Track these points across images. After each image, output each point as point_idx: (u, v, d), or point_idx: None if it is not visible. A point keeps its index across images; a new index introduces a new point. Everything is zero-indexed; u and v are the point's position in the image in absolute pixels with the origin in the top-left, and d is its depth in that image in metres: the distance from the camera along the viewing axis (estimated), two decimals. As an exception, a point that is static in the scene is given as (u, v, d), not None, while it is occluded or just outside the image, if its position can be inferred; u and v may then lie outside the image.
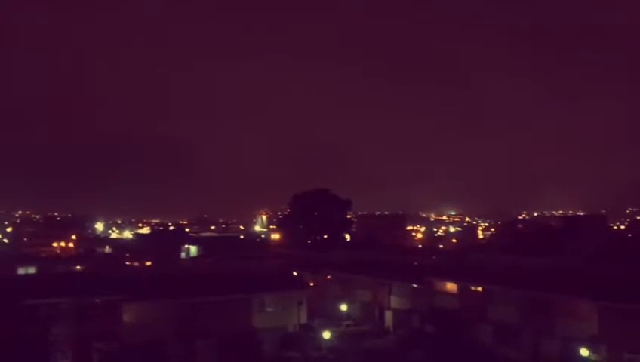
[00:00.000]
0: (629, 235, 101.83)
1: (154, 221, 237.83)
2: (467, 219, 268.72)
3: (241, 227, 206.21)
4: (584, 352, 35.05)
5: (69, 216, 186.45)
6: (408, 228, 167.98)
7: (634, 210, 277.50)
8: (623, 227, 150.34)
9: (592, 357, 34.98)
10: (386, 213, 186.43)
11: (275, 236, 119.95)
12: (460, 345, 40.34)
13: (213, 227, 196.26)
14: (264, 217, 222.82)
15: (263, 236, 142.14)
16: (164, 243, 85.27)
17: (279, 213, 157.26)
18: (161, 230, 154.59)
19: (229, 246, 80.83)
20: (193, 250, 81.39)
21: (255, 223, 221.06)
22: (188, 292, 38.92)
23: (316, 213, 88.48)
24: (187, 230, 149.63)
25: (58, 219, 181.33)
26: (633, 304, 34.17)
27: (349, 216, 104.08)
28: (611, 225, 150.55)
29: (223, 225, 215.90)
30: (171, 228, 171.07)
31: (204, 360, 36.05)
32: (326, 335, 41.73)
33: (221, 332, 36.93)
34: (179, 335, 36.40)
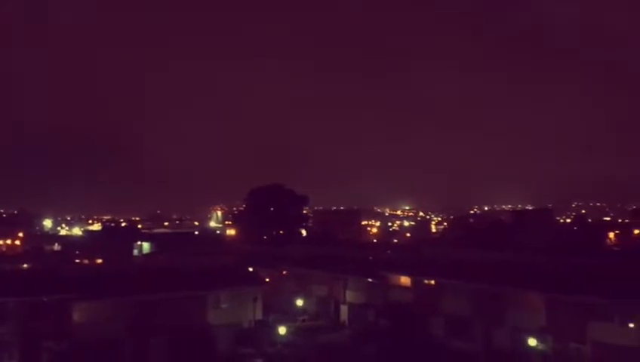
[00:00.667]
0: (575, 228, 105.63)
1: (105, 217, 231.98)
2: (421, 213, 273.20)
3: (196, 223, 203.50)
4: (532, 342, 36.23)
5: (15, 212, 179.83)
6: (363, 223, 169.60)
7: (579, 204, 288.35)
8: (569, 220, 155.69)
9: (540, 347, 36.20)
10: (341, 208, 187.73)
11: (231, 232, 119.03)
12: (414, 338, 41.04)
13: (166, 223, 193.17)
14: (219, 213, 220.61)
15: (218, 232, 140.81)
16: (115, 239, 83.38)
17: (234, 209, 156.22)
18: (112, 226, 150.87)
19: (183, 242, 79.72)
20: (146, 246, 79.80)
21: (210, 219, 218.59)
22: (140, 290, 38.20)
23: (272, 209, 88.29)
24: (140, 226, 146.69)
25: (4, 216, 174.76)
26: (578, 296, 35.51)
27: (305, 212, 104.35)
28: (558, 218, 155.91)
29: (177, 221, 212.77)
30: (123, 224, 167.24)
31: (158, 358, 35.49)
32: (281, 330, 41.74)
33: (175, 330, 36.44)
34: (132, 334, 35.72)
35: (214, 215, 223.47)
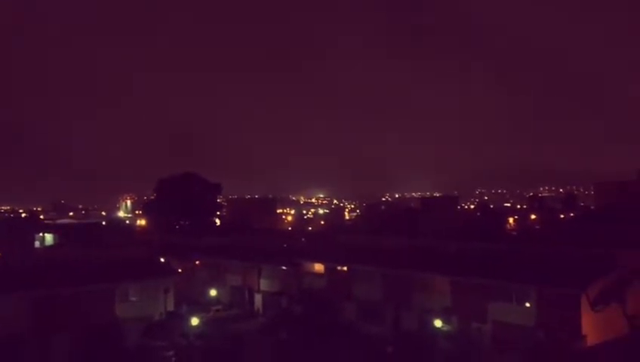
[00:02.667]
0: (477, 214, 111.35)
1: (3, 208, 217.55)
2: (335, 201, 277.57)
3: (103, 213, 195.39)
4: (438, 323, 38.01)
5: None
6: (278, 211, 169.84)
7: (482, 191, 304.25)
8: (472, 207, 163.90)
9: (445, 328, 38.05)
10: (256, 196, 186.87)
11: (141, 222, 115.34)
12: (326, 323, 41.80)
13: (71, 213, 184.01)
14: (129, 202, 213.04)
15: (127, 222, 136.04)
16: (14, 231, 78.34)
17: (145, 198, 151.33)
18: (10, 217, 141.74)
19: (90, 233, 76.21)
20: (49, 238, 75.61)
21: (119, 209, 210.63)
22: (43, 284, 36.25)
23: (184, 198, 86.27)
24: (42, 217, 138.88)
25: None
26: (479, 278, 37.63)
27: (218, 200, 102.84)
28: (462, 205, 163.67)
29: (83, 211, 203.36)
30: (23, 215, 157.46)
31: (62, 356, 33.92)
32: (194, 321, 41.14)
33: (81, 325, 34.96)
34: (34, 331, 33.89)
35: (123, 204, 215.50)
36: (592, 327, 31.50)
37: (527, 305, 35.72)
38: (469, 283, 38.16)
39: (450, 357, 34.67)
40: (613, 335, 29.68)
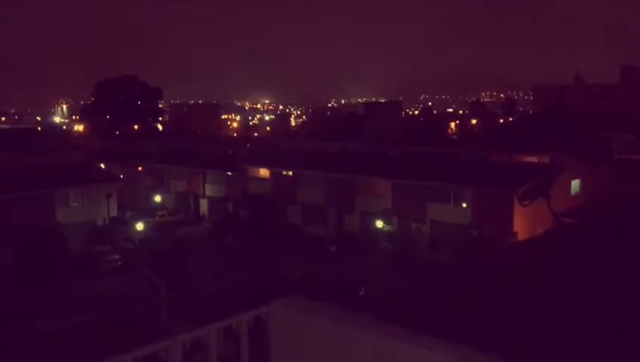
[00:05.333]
0: (421, 119, 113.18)
1: None
2: (280, 107, 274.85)
3: (38, 118, 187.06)
4: (379, 224, 39.50)
5: None
6: (223, 117, 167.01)
7: (426, 96, 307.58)
8: (416, 112, 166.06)
9: (386, 228, 39.63)
10: (200, 102, 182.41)
11: (79, 127, 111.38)
12: (272, 227, 42.70)
13: (3, 118, 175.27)
14: (65, 107, 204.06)
15: (64, 128, 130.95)
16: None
17: (82, 103, 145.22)
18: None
19: (25, 139, 73.10)
20: (-20, 144, 72.19)
21: (54, 114, 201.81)
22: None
23: (124, 102, 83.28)
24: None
25: None
26: (420, 181, 38.86)
27: (160, 106, 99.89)
28: (407, 110, 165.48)
29: (16, 117, 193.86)
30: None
31: (5, 262, 33.47)
32: (139, 226, 41.18)
33: (22, 231, 34.33)
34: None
35: (59, 109, 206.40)
36: (522, 225, 33.50)
37: (464, 205, 37.42)
38: (410, 186, 39.41)
39: (389, 254, 36.43)
40: (542, 231, 31.68)
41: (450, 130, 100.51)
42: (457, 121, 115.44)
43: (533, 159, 40.91)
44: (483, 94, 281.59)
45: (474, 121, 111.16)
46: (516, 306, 5.50)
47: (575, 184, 38.01)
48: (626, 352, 4.38)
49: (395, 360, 3.61)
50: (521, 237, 32.42)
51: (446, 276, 7.63)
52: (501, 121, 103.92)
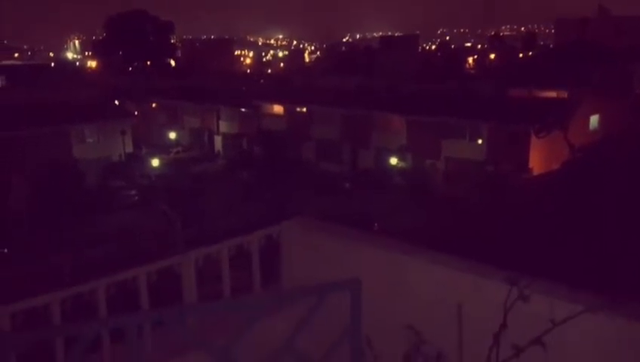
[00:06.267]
0: (438, 54, 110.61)
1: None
2: (294, 43, 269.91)
3: (51, 54, 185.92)
4: (394, 161, 39.38)
5: None
6: (236, 53, 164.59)
7: (444, 30, 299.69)
8: (434, 47, 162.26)
9: (400, 164, 39.53)
10: (212, 37, 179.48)
11: (92, 63, 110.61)
12: (286, 162, 42.76)
13: (16, 55, 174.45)
14: (77, 42, 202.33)
15: (77, 64, 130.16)
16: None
17: (94, 38, 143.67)
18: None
19: (39, 75, 72.97)
20: (-5, 80, 72.24)
21: (67, 49, 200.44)
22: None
23: (135, 37, 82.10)
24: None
25: None
26: (435, 117, 38.37)
27: (172, 41, 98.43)
28: (424, 45, 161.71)
29: (29, 53, 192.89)
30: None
31: (21, 196, 34.08)
32: (154, 162, 41.50)
33: (39, 167, 34.77)
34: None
35: (71, 45, 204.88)
36: (538, 161, 33.19)
37: (479, 141, 37.03)
38: (425, 122, 38.96)
39: (403, 191, 36.47)
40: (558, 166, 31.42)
41: (467, 65, 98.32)
42: (475, 56, 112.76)
43: (552, 94, 40.04)
44: (503, 28, 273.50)
45: (492, 56, 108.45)
46: (531, 241, 5.45)
47: (594, 119, 37.34)
48: None
49: (407, 275, 3.61)
50: (536, 172, 32.21)
51: (461, 211, 7.59)
52: (520, 55, 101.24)
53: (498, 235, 5.64)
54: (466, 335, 3.35)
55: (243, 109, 50.35)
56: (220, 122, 52.43)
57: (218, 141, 52.39)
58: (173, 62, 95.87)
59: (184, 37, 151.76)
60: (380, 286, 3.64)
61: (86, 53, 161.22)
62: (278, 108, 49.67)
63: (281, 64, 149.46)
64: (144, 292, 3.98)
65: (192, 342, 3.24)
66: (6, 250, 26.40)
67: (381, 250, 3.79)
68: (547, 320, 2.82)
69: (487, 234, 5.70)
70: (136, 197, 35.46)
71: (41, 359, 3.71)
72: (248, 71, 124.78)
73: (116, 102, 51.76)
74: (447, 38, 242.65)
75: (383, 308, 3.57)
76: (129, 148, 43.07)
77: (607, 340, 2.97)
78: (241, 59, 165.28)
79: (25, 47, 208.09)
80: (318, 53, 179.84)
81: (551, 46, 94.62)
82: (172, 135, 53.27)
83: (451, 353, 3.19)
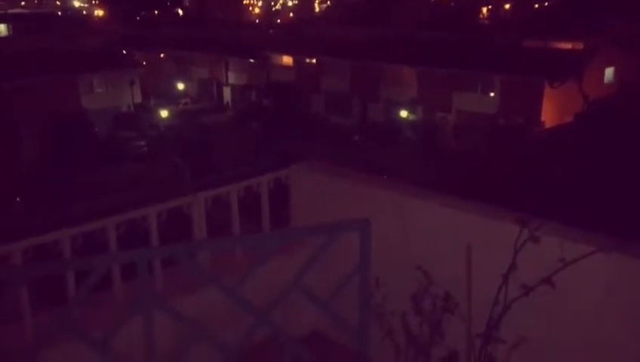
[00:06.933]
0: (451, 4, 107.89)
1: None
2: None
3: (58, 2, 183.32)
4: (404, 114, 39.02)
5: None
6: (245, 2, 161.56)
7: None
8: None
9: (410, 117, 39.19)
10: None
11: (99, 12, 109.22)
12: (295, 115, 42.55)
13: (23, 3, 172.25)
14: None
15: (84, 12, 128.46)
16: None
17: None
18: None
19: (46, 24, 72.20)
20: (2, 28, 71.66)
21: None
22: (4, 75, 35.13)
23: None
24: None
25: None
26: (446, 68, 37.72)
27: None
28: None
29: (36, 1, 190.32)
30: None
31: (31, 146, 34.26)
32: (163, 113, 41.41)
33: (48, 117, 34.83)
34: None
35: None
36: (551, 113, 32.75)
37: (492, 94, 36.52)
38: (436, 74, 38.36)
39: (413, 144, 36.30)
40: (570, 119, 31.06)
41: (481, 15, 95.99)
42: (489, 6, 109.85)
43: (567, 45, 39.12)
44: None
45: (507, 6, 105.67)
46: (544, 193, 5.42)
47: (609, 72, 36.58)
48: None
49: (417, 216, 3.63)
50: (548, 125, 31.86)
51: (472, 164, 7.54)
52: (536, 5, 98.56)
53: (509, 185, 5.60)
54: (474, 276, 3.36)
55: (252, 60, 49.73)
56: (229, 73, 51.92)
57: (227, 92, 52.02)
58: (181, 12, 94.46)
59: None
60: (390, 227, 3.64)
61: (93, 2, 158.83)
62: (287, 60, 49.02)
63: (291, 13, 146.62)
64: (154, 232, 4.02)
65: (203, 280, 3.27)
66: (18, 199, 26.71)
67: (391, 192, 3.78)
68: (557, 261, 2.81)
69: (498, 185, 5.65)
70: (146, 148, 35.52)
71: (50, 296, 3.77)
72: (257, 20, 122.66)
73: (124, 51, 51.27)
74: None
75: (392, 249, 3.58)
76: (138, 99, 42.90)
77: (618, 280, 2.96)
78: (250, 8, 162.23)
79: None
80: (329, 2, 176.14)
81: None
82: (180, 86, 52.92)
83: (459, 293, 3.20)
